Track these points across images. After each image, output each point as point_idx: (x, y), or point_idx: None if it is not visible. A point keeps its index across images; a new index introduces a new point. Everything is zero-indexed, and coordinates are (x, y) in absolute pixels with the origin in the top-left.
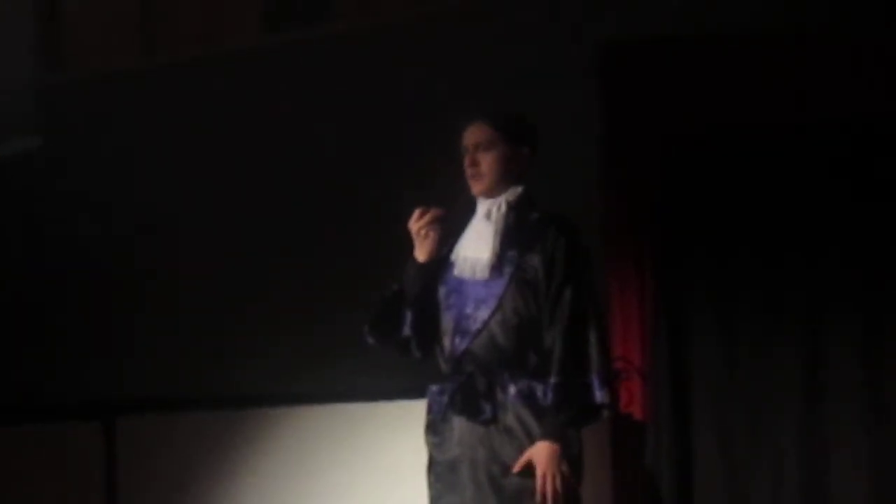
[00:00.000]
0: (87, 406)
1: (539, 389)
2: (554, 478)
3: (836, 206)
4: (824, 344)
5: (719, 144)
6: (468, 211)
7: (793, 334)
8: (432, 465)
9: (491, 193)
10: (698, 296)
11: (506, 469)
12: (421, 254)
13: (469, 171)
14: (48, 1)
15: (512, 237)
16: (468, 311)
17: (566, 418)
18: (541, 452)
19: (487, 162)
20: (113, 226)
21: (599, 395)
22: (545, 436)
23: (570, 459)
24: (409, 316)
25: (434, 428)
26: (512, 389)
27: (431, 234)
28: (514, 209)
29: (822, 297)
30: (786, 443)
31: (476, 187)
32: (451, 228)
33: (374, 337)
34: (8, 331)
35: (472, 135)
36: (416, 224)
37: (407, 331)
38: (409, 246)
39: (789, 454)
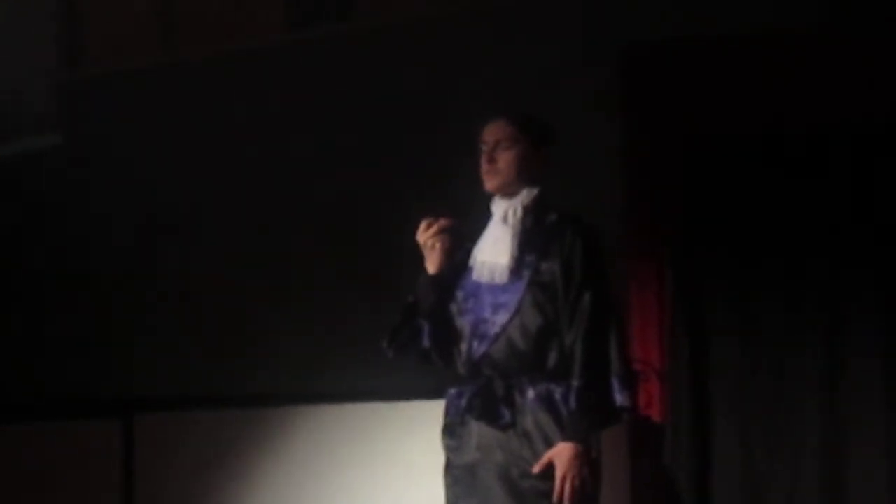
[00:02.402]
0: (105, 404)
1: (558, 393)
2: (573, 480)
3: (856, 207)
4: (843, 345)
5: (740, 146)
6: (484, 215)
7: (812, 335)
8: (449, 468)
9: (506, 192)
10: (717, 297)
11: (525, 473)
12: (430, 266)
13: (485, 167)
14: None
15: (529, 240)
16: (486, 315)
17: (588, 422)
18: (563, 454)
19: (506, 160)
20: (132, 224)
21: (620, 398)
22: (568, 438)
23: (590, 462)
24: (426, 327)
25: (451, 431)
26: (531, 393)
27: (439, 245)
28: (531, 212)
29: (841, 301)
30: (804, 443)
31: (490, 182)
32: (463, 235)
33: (393, 351)
34: (26, 328)
35: (493, 132)
36: (424, 235)
37: (426, 342)
38: None
39: (808, 454)
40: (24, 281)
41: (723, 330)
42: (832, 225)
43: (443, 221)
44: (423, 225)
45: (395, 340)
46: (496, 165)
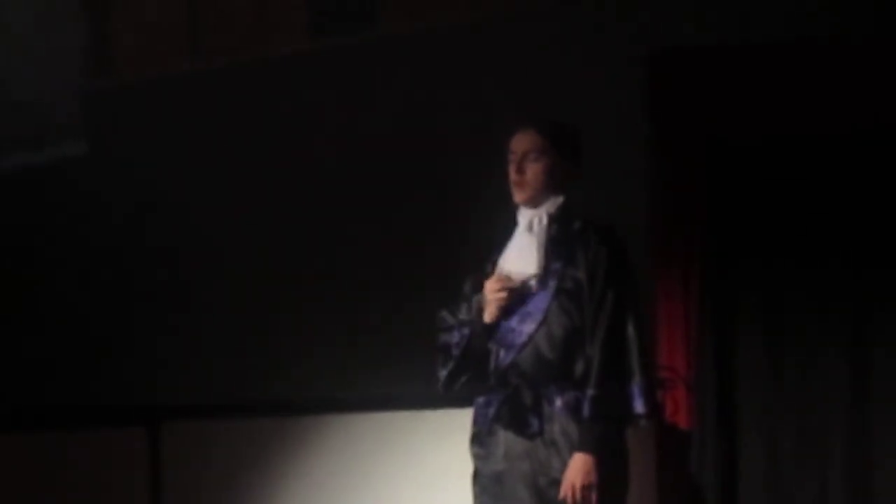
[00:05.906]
0: (132, 411)
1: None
2: (576, 489)
3: (882, 213)
4: (870, 351)
5: (766, 152)
6: (510, 223)
7: (839, 342)
8: (477, 477)
9: (533, 203)
10: (744, 304)
11: (552, 481)
12: (488, 315)
13: (514, 178)
14: (95, 6)
15: (555, 249)
16: (513, 324)
17: (600, 431)
18: (574, 463)
19: (534, 171)
20: (159, 231)
21: (638, 406)
22: (579, 447)
23: (609, 470)
24: (472, 368)
25: (479, 440)
26: (558, 402)
27: (501, 300)
28: (556, 221)
29: (869, 305)
30: (832, 450)
31: (519, 195)
32: (495, 241)
33: (452, 390)
34: (53, 335)
35: (522, 142)
36: (492, 290)
37: (472, 379)
38: (453, 255)
39: (835, 462)
40: (50, 288)
41: (749, 337)
42: (858, 228)
43: (512, 283)
44: (495, 279)
45: (451, 385)
46: (524, 177)
